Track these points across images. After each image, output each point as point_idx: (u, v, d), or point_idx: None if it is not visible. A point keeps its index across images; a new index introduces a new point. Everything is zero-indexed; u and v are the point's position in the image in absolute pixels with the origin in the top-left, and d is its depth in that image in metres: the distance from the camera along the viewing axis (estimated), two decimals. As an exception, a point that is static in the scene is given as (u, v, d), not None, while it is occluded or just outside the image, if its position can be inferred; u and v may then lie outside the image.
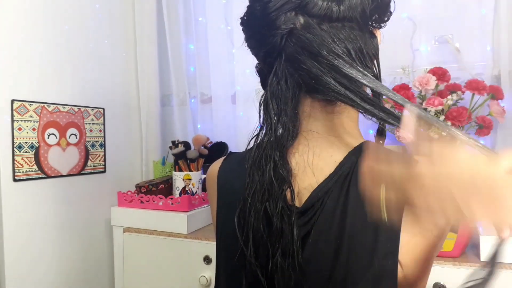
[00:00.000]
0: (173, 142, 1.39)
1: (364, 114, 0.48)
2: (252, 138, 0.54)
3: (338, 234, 0.47)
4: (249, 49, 0.57)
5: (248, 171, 0.52)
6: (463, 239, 0.94)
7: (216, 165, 0.63)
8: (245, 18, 0.55)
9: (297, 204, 0.52)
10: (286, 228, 0.48)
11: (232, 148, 1.52)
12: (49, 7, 1.29)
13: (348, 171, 0.49)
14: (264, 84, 0.57)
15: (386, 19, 0.54)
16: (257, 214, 0.49)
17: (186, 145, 1.39)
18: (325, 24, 0.49)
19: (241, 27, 0.56)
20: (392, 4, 0.53)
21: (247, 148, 0.55)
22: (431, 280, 0.93)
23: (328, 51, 0.48)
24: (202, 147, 1.39)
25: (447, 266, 0.93)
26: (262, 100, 0.54)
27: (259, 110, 0.54)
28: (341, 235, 0.47)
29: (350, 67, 0.47)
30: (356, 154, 0.50)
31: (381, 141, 0.57)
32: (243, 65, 1.49)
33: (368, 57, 0.51)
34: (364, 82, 0.46)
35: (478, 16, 1.24)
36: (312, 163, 0.52)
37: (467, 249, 1.00)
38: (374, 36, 0.53)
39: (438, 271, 0.93)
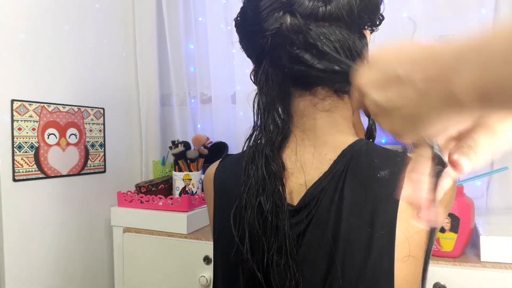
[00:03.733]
0: (173, 142, 1.39)
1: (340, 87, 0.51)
2: (247, 140, 0.55)
3: (333, 232, 0.48)
4: (243, 51, 0.58)
5: (244, 168, 0.53)
6: (463, 239, 0.94)
7: (213, 167, 0.64)
8: (238, 19, 0.56)
9: (292, 202, 0.53)
10: (280, 225, 0.49)
11: (232, 148, 1.52)
12: (49, 7, 1.28)
13: (342, 169, 0.50)
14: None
15: (377, 22, 0.55)
16: (252, 210, 0.50)
17: (186, 145, 1.39)
18: (312, 23, 0.50)
19: (235, 29, 0.58)
20: (382, 7, 0.54)
21: (243, 148, 0.56)
22: (431, 280, 0.92)
23: (309, 53, 0.49)
24: (202, 147, 1.39)
25: (447, 266, 0.93)
26: (255, 98, 0.55)
27: (253, 108, 0.55)
28: (337, 233, 0.48)
29: (319, 63, 0.49)
30: (350, 152, 0.51)
31: (371, 139, 0.58)
32: (243, 65, 1.49)
33: (357, 55, 0.52)
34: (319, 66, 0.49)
35: (478, 16, 1.24)
36: (307, 162, 0.53)
37: (467, 249, 1.00)
38: (363, 37, 0.54)
39: (438, 272, 0.93)
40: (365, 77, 0.32)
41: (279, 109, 0.53)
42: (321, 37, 0.49)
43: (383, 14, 0.55)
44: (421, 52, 0.28)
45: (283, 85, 0.53)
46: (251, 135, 0.55)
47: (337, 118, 0.54)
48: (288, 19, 0.50)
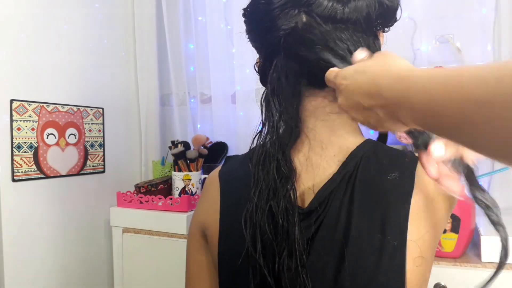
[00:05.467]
0: (173, 142, 1.39)
1: None
2: (255, 137, 0.54)
3: (344, 235, 0.47)
4: (249, 41, 0.57)
5: (253, 170, 0.52)
6: (464, 239, 0.94)
7: (215, 172, 0.62)
8: (248, 10, 0.54)
9: (302, 204, 0.52)
10: (291, 229, 0.48)
11: (232, 148, 1.52)
12: (49, 7, 1.28)
13: (352, 171, 0.49)
14: (264, 80, 0.57)
15: (390, 24, 0.54)
16: (263, 214, 0.49)
17: (186, 145, 1.38)
18: (328, 25, 0.49)
19: (243, 19, 0.56)
20: (399, 12, 0.53)
21: (251, 147, 0.55)
22: (432, 280, 0.92)
23: (324, 49, 0.48)
24: (202, 147, 1.38)
25: (448, 266, 0.92)
26: (264, 97, 0.54)
27: (261, 107, 0.54)
28: (347, 236, 0.47)
29: (340, 62, 0.48)
30: (359, 154, 0.50)
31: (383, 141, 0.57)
32: (243, 65, 1.48)
33: None
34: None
35: (479, 15, 1.24)
36: (315, 163, 0.52)
37: (468, 249, 0.99)
38: (377, 38, 0.53)
39: (439, 272, 0.92)
40: (341, 101, 0.42)
41: (290, 110, 0.52)
42: (337, 40, 0.48)
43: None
44: (375, 88, 0.37)
45: (296, 85, 0.52)
46: (259, 133, 0.54)
47: (345, 120, 0.53)
48: (303, 18, 0.49)
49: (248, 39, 0.57)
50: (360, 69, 0.39)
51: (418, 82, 0.32)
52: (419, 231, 0.46)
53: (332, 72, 0.45)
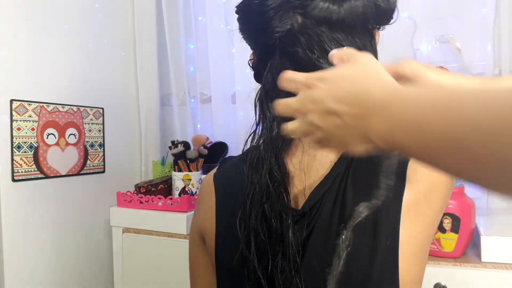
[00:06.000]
0: (173, 142, 1.39)
1: None
2: (248, 137, 0.54)
3: (336, 236, 0.47)
4: (243, 39, 0.56)
5: (247, 173, 0.52)
6: (464, 239, 0.94)
7: (210, 174, 0.63)
8: (241, 9, 0.54)
9: (296, 206, 0.52)
10: (285, 231, 0.48)
11: (232, 148, 1.52)
12: (49, 7, 1.28)
13: (344, 172, 0.50)
14: (257, 77, 0.56)
15: (387, 23, 0.54)
16: (257, 217, 0.49)
17: (186, 145, 1.38)
18: (324, 26, 0.48)
19: (234, 26, 0.56)
20: (396, 13, 0.53)
21: (244, 148, 0.55)
22: (432, 280, 0.92)
23: (320, 54, 0.48)
24: (202, 147, 1.39)
25: (448, 266, 0.92)
26: (257, 97, 0.54)
27: (255, 107, 0.54)
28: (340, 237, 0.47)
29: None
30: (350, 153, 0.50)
31: None
32: (243, 65, 1.48)
33: None
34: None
35: (479, 15, 1.24)
36: (308, 164, 0.52)
37: (468, 249, 0.99)
38: (373, 38, 0.53)
39: (439, 272, 0.92)
40: (306, 103, 0.38)
41: None
42: (332, 42, 0.48)
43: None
44: (352, 92, 0.34)
45: None
46: (253, 133, 0.54)
47: None
48: (299, 19, 0.49)
49: (242, 37, 0.57)
50: (340, 74, 0.36)
51: (407, 92, 0.30)
52: (412, 230, 0.46)
53: (298, 74, 0.40)
